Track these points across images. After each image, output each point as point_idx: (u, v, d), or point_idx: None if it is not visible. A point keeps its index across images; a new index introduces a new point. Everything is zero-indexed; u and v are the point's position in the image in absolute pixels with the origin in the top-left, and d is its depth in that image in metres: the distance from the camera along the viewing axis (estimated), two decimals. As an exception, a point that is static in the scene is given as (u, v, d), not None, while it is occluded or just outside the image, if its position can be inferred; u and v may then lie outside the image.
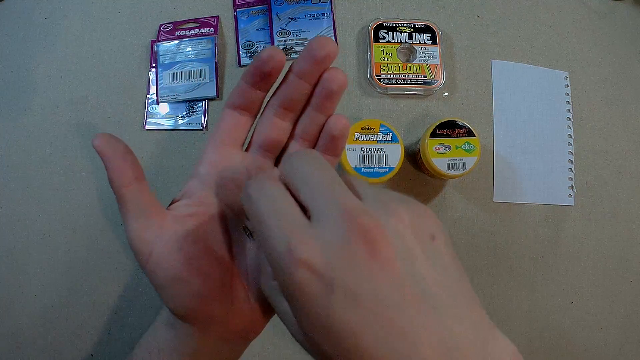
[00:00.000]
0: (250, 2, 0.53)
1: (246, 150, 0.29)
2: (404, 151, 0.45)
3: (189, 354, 0.27)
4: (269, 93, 0.27)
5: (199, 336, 0.27)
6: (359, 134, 0.45)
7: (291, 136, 0.28)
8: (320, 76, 0.26)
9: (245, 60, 0.51)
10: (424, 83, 0.50)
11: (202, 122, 0.49)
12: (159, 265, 0.24)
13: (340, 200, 0.18)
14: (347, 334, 0.17)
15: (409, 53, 0.51)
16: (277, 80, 0.26)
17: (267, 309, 0.28)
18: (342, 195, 0.19)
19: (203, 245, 0.26)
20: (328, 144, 0.27)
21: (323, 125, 0.27)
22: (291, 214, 0.19)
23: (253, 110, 0.28)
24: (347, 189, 0.19)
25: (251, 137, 0.29)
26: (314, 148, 0.28)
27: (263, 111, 0.28)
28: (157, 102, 0.50)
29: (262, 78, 0.26)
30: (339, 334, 0.17)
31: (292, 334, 0.22)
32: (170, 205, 0.27)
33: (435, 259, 0.19)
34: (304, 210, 0.19)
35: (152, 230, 0.25)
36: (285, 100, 0.26)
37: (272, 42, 0.51)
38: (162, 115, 0.50)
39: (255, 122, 0.29)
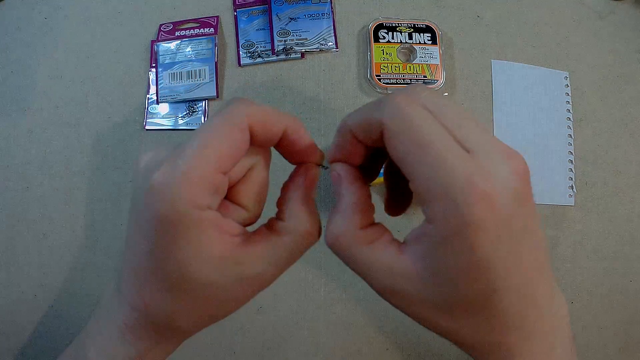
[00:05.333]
0: (250, 2, 0.53)
1: None
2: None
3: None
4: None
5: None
6: (359, 134, 0.45)
7: None
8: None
9: (245, 60, 0.51)
10: (424, 83, 0.50)
11: (202, 122, 0.49)
12: None
13: (497, 140, 0.18)
14: (499, 272, 0.17)
15: (409, 53, 0.51)
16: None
17: None
18: (493, 136, 0.19)
19: None
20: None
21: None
22: (456, 144, 0.18)
23: None
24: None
25: None
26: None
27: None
28: (157, 102, 0.50)
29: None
30: (490, 272, 0.17)
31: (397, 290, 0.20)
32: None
33: None
34: None
35: None
36: None
37: (272, 42, 0.51)
38: (162, 115, 0.50)
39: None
